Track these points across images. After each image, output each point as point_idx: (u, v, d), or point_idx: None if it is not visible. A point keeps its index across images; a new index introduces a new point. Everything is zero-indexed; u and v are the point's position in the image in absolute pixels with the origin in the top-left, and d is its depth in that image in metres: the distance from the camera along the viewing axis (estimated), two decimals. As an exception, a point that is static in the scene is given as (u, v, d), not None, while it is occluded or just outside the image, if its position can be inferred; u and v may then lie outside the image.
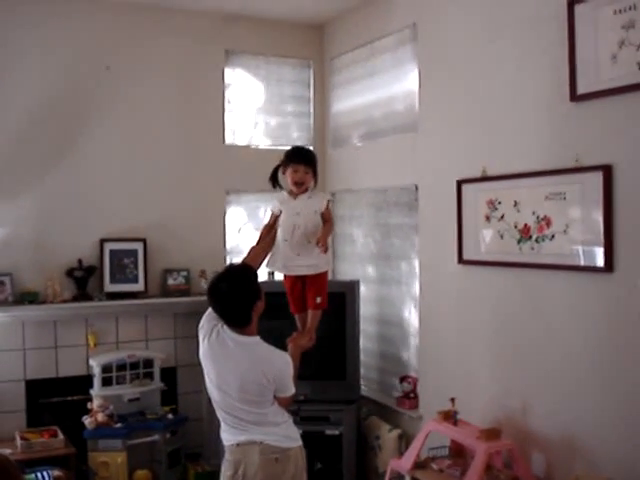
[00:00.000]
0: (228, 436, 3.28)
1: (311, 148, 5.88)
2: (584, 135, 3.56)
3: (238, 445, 3.22)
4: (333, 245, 5.97)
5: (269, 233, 3.65)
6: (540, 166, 3.80)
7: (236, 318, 3.22)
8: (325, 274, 3.65)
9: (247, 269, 3.37)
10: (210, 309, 3.31)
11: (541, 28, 3.81)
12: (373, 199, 5.43)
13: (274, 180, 3.65)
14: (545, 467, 3.81)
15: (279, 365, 3.22)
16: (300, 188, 3.55)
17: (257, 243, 3.66)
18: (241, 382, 3.15)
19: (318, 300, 3.61)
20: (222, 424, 3.30)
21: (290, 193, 3.58)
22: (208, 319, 3.30)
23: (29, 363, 5.05)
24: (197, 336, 3.33)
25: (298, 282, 3.64)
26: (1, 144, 4.98)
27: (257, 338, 3.26)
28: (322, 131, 6.07)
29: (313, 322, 3.66)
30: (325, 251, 3.46)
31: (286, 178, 3.58)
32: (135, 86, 5.39)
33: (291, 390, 3.28)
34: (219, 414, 3.29)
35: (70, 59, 5.19)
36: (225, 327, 3.24)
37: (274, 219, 3.63)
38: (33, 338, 5.06)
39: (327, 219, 3.60)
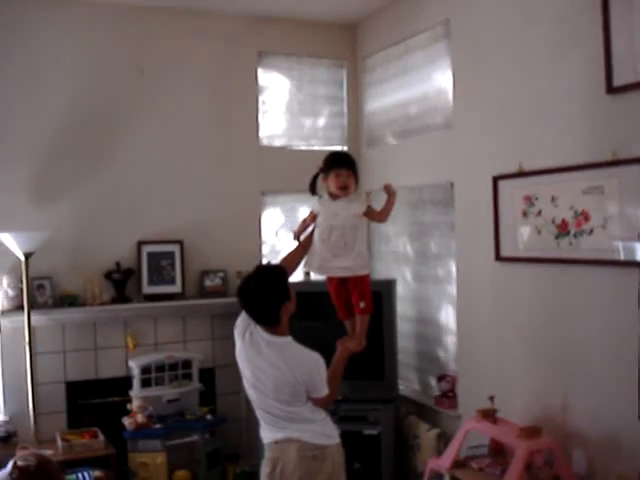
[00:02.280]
0: (266, 434, 3.30)
1: (346, 148, 5.90)
2: (621, 128, 3.50)
3: (276, 443, 3.24)
4: (369, 244, 5.96)
5: (305, 228, 3.64)
6: (577, 160, 3.75)
7: (265, 318, 3.23)
8: (366, 278, 3.58)
9: (276, 269, 3.36)
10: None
11: (575, 20, 3.76)
12: (408, 197, 5.40)
13: (313, 188, 3.61)
14: (586, 465, 3.76)
15: (309, 366, 3.21)
16: (345, 192, 3.49)
17: (294, 238, 3.65)
18: (274, 381, 3.17)
19: (362, 305, 3.55)
20: (261, 422, 3.32)
21: (330, 195, 3.55)
22: (243, 319, 3.32)
23: (69, 365, 5.12)
24: (234, 336, 3.34)
25: (342, 288, 3.60)
26: (40, 149, 5.05)
27: (288, 338, 3.26)
28: (356, 131, 6.06)
29: (362, 327, 3.60)
30: (392, 191, 3.52)
31: (328, 184, 3.52)
32: (169, 89, 5.44)
33: (324, 390, 3.26)
34: (257, 412, 3.32)
35: (105, 63, 5.25)
36: (258, 327, 3.25)
37: (312, 217, 3.61)
38: (73, 340, 5.12)
39: (378, 211, 3.60)
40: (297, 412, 3.21)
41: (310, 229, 3.62)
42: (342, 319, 3.68)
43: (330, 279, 3.61)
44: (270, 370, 3.17)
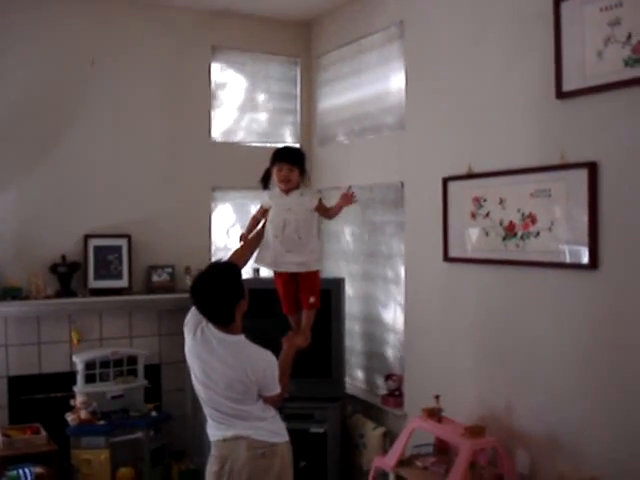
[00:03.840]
0: (214, 431, 3.27)
1: (298, 146, 5.88)
2: (570, 132, 3.56)
3: (224, 440, 3.21)
4: (320, 242, 5.95)
5: (256, 225, 3.66)
6: (525, 163, 3.80)
7: (219, 317, 3.20)
8: (317, 274, 3.63)
9: (230, 267, 3.34)
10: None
11: (527, 26, 3.81)
12: (359, 196, 5.36)
13: (265, 182, 3.65)
14: (529, 464, 3.81)
15: (262, 364, 3.20)
16: (287, 185, 3.55)
17: (245, 233, 3.66)
18: (226, 380, 3.14)
19: (312, 300, 3.59)
20: (208, 419, 3.29)
21: (282, 190, 3.58)
22: (193, 314, 3.28)
23: (12, 359, 5.01)
24: (182, 333, 3.30)
25: (291, 283, 3.61)
26: (-16, 139, 4.94)
27: (241, 337, 3.24)
28: (309, 128, 6.06)
29: (308, 322, 3.64)
30: (350, 200, 3.61)
31: (273, 177, 3.59)
32: (120, 82, 5.37)
33: (276, 389, 3.26)
34: (205, 410, 3.28)
35: (54, 54, 5.16)
36: (210, 325, 3.22)
37: (262, 212, 3.63)
38: (16, 334, 5.02)
39: (328, 208, 3.68)
40: (247, 410, 3.19)
41: (260, 225, 3.62)
42: (287, 314, 3.70)
43: (279, 274, 3.63)
44: (222, 368, 3.14)
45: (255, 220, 3.66)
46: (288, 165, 3.55)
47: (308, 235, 3.53)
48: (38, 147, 5.12)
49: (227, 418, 3.20)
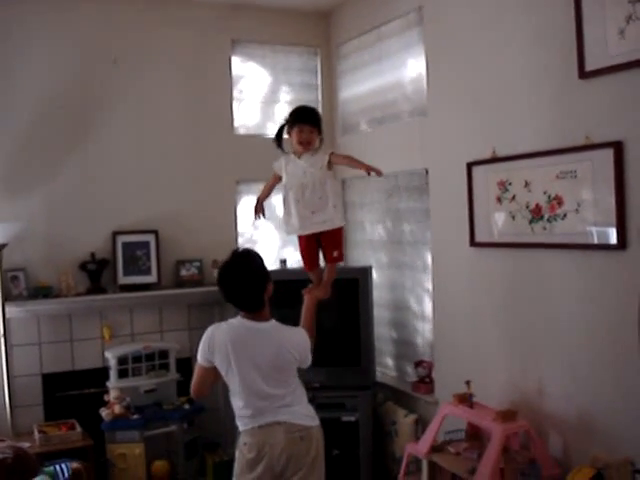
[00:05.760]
0: (248, 420, 3.27)
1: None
2: (594, 112, 3.52)
3: (260, 427, 3.22)
4: (345, 232, 5.96)
5: (269, 192, 3.79)
6: (550, 145, 3.77)
7: (250, 303, 3.24)
8: (340, 229, 3.66)
9: (253, 252, 3.39)
10: (204, 339, 3.30)
11: (548, 6, 3.77)
12: (383, 185, 5.41)
13: (279, 140, 3.67)
14: (562, 448, 3.80)
15: (302, 341, 3.32)
16: (307, 147, 3.57)
17: (260, 202, 3.76)
18: (271, 366, 3.21)
19: (335, 254, 3.63)
20: (242, 410, 3.28)
21: (295, 153, 3.61)
22: (208, 338, 3.29)
23: (45, 357, 5.08)
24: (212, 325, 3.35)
25: (313, 240, 3.66)
26: (12, 140, 5.00)
27: (273, 321, 3.31)
28: (331, 118, 6.05)
29: (330, 275, 3.71)
30: (378, 172, 3.42)
31: (291, 138, 3.62)
32: (143, 78, 5.40)
33: (310, 361, 3.37)
34: (240, 401, 3.27)
35: (76, 53, 5.20)
36: (234, 324, 3.26)
37: (275, 178, 3.71)
38: (48, 332, 5.09)
39: (343, 160, 3.62)
40: (289, 392, 3.25)
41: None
42: (308, 271, 3.74)
43: (301, 236, 3.68)
44: (265, 357, 3.20)
45: (269, 187, 3.75)
46: (309, 127, 3.56)
47: (327, 193, 3.54)
48: (64, 146, 5.17)
49: (267, 406, 3.21)
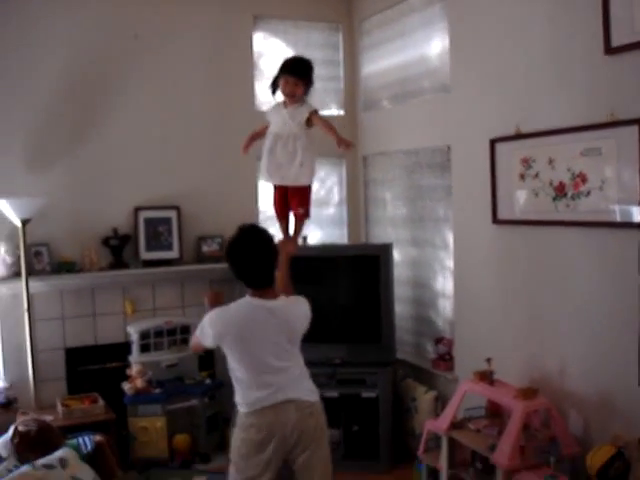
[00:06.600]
0: (258, 400, 3.19)
1: (342, 112, 5.84)
2: (619, 88, 3.48)
3: (272, 406, 3.17)
4: (365, 209, 5.96)
5: (254, 140, 3.81)
6: (574, 122, 3.73)
7: (262, 279, 3.24)
8: (307, 187, 3.69)
9: (261, 228, 3.38)
10: (209, 319, 3.25)
11: (574, -20, 3.72)
12: (405, 161, 5.39)
13: (273, 88, 3.69)
14: (582, 426, 3.80)
15: (306, 310, 3.34)
16: (291, 100, 3.61)
17: (244, 144, 3.80)
18: (285, 341, 3.21)
19: (300, 210, 3.70)
20: (252, 391, 3.20)
21: (284, 102, 3.65)
22: (216, 324, 3.23)
23: (68, 331, 5.14)
24: (232, 301, 3.32)
25: (282, 191, 3.72)
26: (34, 116, 5.01)
27: (283, 297, 3.31)
28: (353, 94, 6.03)
29: (297, 231, 3.79)
30: (348, 145, 3.43)
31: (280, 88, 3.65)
32: (164, 54, 5.39)
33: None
34: (250, 381, 3.21)
35: (98, 29, 5.19)
36: (242, 305, 3.24)
37: (264, 127, 3.75)
38: (71, 307, 5.14)
39: (321, 124, 3.58)
40: (294, 366, 3.25)
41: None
42: (277, 219, 3.82)
43: (275, 185, 3.74)
44: (281, 333, 3.20)
45: (262, 128, 3.76)
46: (294, 78, 3.58)
47: (298, 149, 3.57)
48: (85, 122, 5.19)
49: (278, 380, 3.19)
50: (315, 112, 3.59)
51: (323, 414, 3.32)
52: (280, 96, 3.67)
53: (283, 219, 3.80)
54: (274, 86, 3.67)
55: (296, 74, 3.58)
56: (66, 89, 5.09)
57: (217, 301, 3.46)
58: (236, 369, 3.25)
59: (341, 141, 3.42)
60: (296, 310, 3.31)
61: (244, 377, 3.23)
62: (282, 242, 3.69)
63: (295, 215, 3.72)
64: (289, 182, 3.63)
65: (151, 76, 5.36)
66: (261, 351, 3.19)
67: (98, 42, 5.20)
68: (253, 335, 3.18)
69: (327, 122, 3.61)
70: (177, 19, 5.43)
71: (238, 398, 3.28)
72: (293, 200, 3.67)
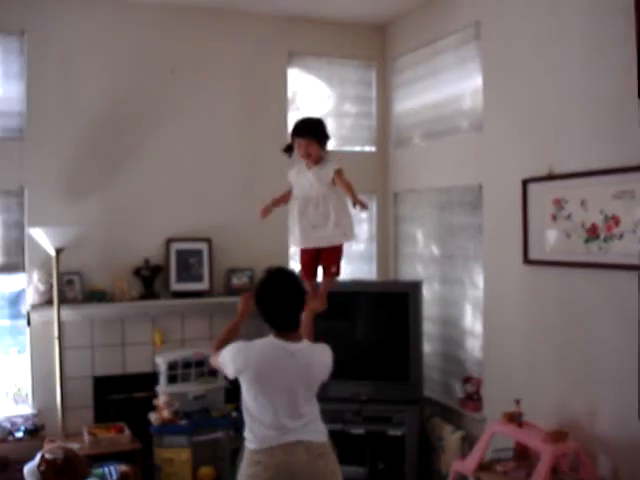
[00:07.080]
0: (268, 439, 3.13)
1: (374, 149, 5.86)
2: (653, 132, 3.48)
3: (280, 446, 3.11)
4: (395, 245, 5.96)
5: (278, 204, 3.82)
6: (607, 164, 3.73)
7: (289, 322, 3.21)
8: (340, 246, 3.69)
9: (290, 271, 3.37)
10: (232, 353, 3.22)
11: (607, 22, 3.74)
12: (436, 199, 5.39)
13: (289, 152, 3.71)
14: (612, 471, 3.74)
15: (328, 358, 3.28)
16: (308, 160, 3.62)
17: (266, 207, 3.79)
18: (305, 387, 3.17)
19: (333, 269, 3.69)
20: (265, 429, 3.15)
21: (307, 163, 3.65)
22: (237, 360, 3.19)
23: (97, 360, 5.18)
24: (261, 335, 3.31)
25: (313, 253, 3.70)
26: (70, 147, 5.11)
27: (306, 341, 3.28)
28: (385, 131, 6.06)
29: (326, 289, 3.75)
30: (363, 206, 3.40)
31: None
32: (199, 88, 5.48)
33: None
34: (260, 421, 3.16)
35: (135, 62, 5.31)
36: (267, 344, 3.20)
37: (288, 193, 3.77)
38: (101, 335, 5.18)
39: (341, 183, 3.55)
40: (312, 411, 3.20)
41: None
42: (305, 279, 3.72)
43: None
44: (301, 376, 3.15)
45: (285, 195, 3.80)
46: (305, 140, 3.59)
47: (331, 209, 3.57)
48: (121, 154, 5.27)
49: (296, 424, 3.14)
50: (339, 171, 3.58)
51: (333, 453, 3.25)
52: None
53: (312, 279, 3.77)
54: (289, 149, 3.69)
55: (306, 136, 3.61)
56: (102, 121, 5.19)
57: (248, 307, 3.49)
58: (250, 406, 3.21)
59: (357, 202, 3.42)
60: (318, 355, 3.25)
61: (257, 415, 3.18)
62: (309, 298, 3.65)
63: (327, 273, 3.70)
64: (325, 244, 3.62)
65: (186, 110, 5.45)
66: (278, 395, 3.14)
67: (135, 76, 5.31)
68: (272, 377, 3.14)
69: (347, 183, 3.58)
70: (213, 54, 5.53)
71: (247, 434, 3.23)
72: (326, 260, 3.67)
